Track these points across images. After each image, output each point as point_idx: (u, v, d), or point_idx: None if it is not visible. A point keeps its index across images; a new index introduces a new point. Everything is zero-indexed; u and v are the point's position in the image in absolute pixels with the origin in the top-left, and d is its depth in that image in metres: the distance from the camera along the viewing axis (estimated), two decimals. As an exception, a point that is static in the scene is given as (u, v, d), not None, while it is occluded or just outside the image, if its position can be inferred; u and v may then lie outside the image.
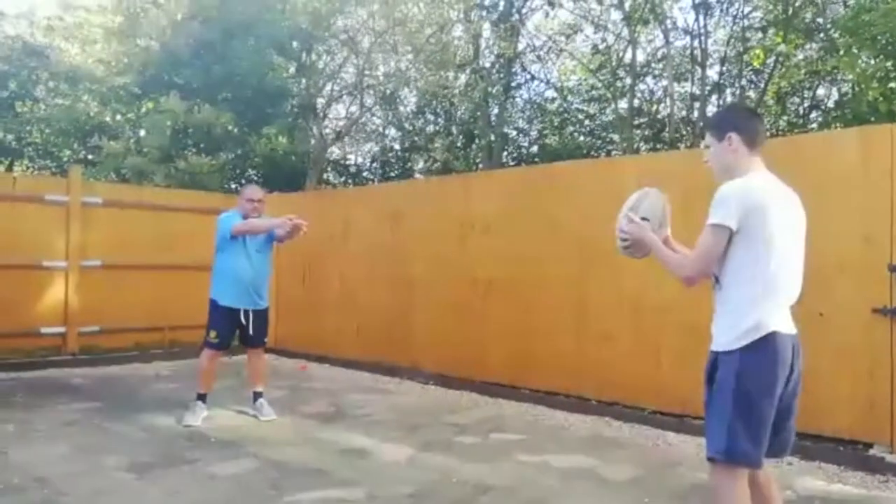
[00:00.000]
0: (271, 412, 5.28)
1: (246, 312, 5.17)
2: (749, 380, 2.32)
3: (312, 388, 6.59)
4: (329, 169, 15.39)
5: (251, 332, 5.21)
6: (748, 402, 2.32)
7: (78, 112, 11.65)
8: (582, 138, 13.85)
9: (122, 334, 7.89)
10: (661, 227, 2.64)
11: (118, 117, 12.01)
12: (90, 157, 11.86)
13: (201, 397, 5.08)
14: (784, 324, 2.37)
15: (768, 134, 11.32)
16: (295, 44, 12.81)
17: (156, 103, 11.26)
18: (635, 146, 12.19)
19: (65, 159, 12.63)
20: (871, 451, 4.26)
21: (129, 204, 8.07)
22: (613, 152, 12.71)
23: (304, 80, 13.35)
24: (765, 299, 2.35)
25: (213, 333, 5.11)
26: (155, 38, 11.85)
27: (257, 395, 5.35)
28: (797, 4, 9.91)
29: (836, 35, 8.73)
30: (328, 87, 14.25)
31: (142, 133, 11.42)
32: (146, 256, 8.10)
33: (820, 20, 9.66)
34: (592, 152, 13.12)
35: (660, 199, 2.68)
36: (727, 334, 2.39)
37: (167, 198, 8.54)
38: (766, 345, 2.32)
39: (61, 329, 7.46)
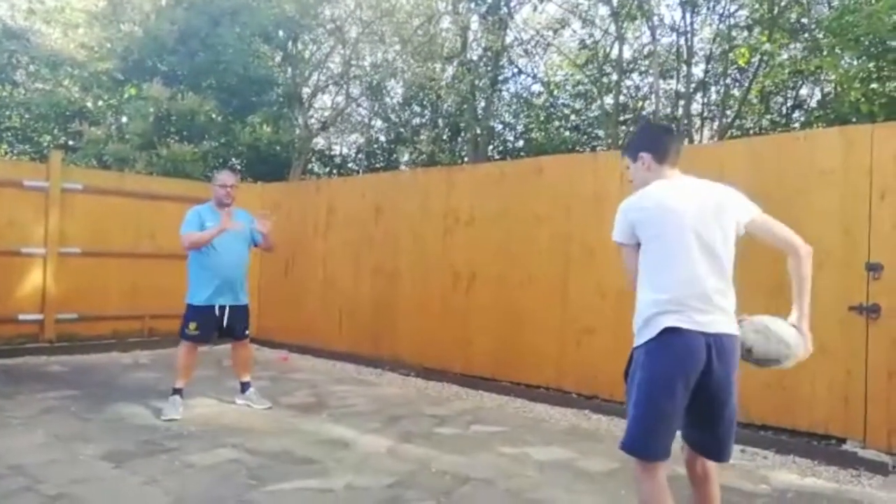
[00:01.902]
0: (265, 400, 5.27)
1: (221, 308, 5.05)
2: (647, 373, 2.41)
3: (294, 378, 6.57)
4: (314, 159, 15.29)
5: (227, 326, 5.11)
6: (646, 396, 2.40)
7: (58, 97, 11.47)
8: (568, 133, 13.86)
9: (100, 322, 7.81)
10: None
11: (100, 103, 11.85)
12: (71, 142, 11.69)
13: (177, 391, 4.94)
14: (697, 322, 2.38)
15: (751, 132, 11.42)
16: (281, 32, 12.68)
17: (138, 89, 11.11)
18: (620, 142, 12.23)
19: (45, 144, 12.44)
20: (845, 446, 4.33)
21: (109, 191, 7.96)
22: (598, 148, 12.75)
23: (289, 69, 13.24)
24: (664, 299, 2.42)
25: (192, 325, 4.97)
26: (139, 23, 11.67)
27: (245, 386, 5.32)
28: (783, 4, 9.97)
29: (821, 35, 8.81)
30: (314, 77, 14.14)
31: (124, 119, 11.28)
32: (126, 244, 8.01)
33: (805, 20, 9.74)
34: (578, 147, 13.14)
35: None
36: (636, 332, 2.53)
37: (148, 185, 8.44)
38: (665, 341, 2.39)
39: (39, 316, 7.36)
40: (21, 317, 7.25)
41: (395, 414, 5.22)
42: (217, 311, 5.05)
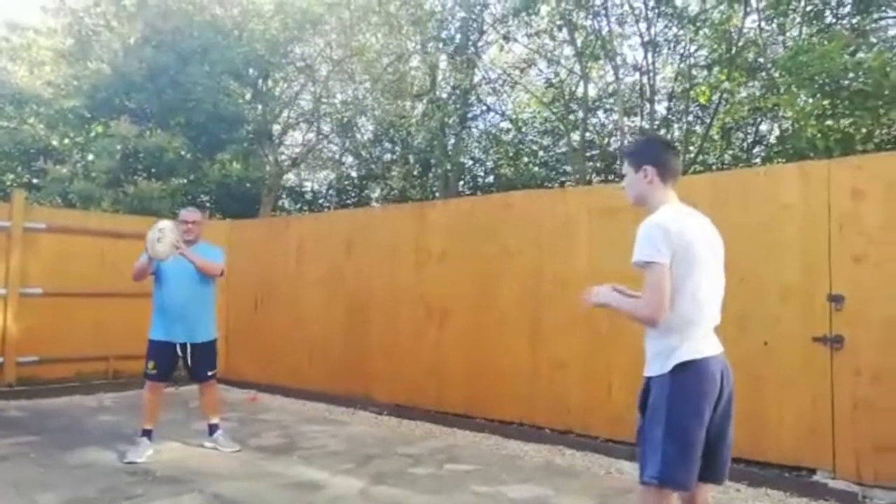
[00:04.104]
0: (233, 443, 5.15)
1: (183, 346, 4.96)
2: (679, 404, 2.39)
3: (263, 419, 6.44)
4: (284, 196, 15.26)
5: (191, 366, 5.02)
6: (681, 427, 2.38)
7: (23, 135, 11.33)
8: (536, 169, 14.06)
9: (63, 364, 7.57)
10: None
11: (66, 141, 11.72)
12: (35, 181, 11.50)
13: (146, 433, 4.84)
14: (711, 347, 2.47)
15: (714, 167, 11.68)
16: (251, 70, 12.75)
17: (105, 127, 11.02)
18: (588, 178, 12.44)
19: (7, 183, 12.21)
20: (815, 477, 4.37)
21: (73, 230, 7.81)
22: (567, 183, 12.94)
23: (260, 107, 13.28)
24: (692, 325, 2.44)
25: (150, 364, 4.92)
26: (106, 61, 11.64)
27: (213, 428, 5.19)
28: (740, 44, 10.34)
29: (777, 74, 9.12)
30: (285, 114, 14.19)
31: (90, 157, 11.15)
32: (90, 284, 7.81)
33: (761, 60, 10.09)
34: (546, 183, 13.32)
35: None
36: (658, 360, 2.48)
37: (114, 223, 8.30)
38: (695, 368, 2.41)
39: (-2, 359, 7.13)
40: (-22, 360, 7.01)
41: (368, 454, 5.14)
42: (178, 349, 4.95)
